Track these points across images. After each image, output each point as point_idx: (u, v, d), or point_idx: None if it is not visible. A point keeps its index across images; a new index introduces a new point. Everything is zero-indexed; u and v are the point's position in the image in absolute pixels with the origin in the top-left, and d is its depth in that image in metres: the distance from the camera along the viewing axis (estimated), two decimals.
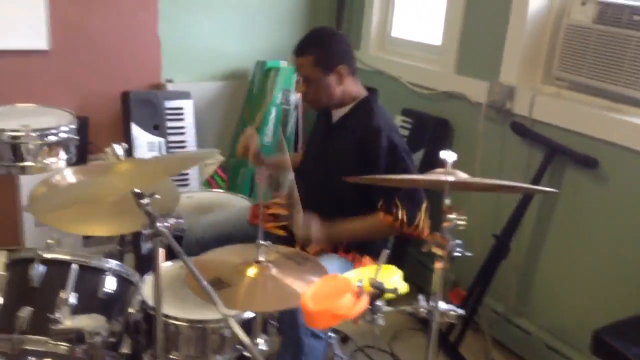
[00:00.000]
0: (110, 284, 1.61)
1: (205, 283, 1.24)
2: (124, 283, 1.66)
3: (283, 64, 3.36)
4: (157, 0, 3.13)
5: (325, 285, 1.21)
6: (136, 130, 3.01)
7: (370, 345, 2.58)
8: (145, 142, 3.04)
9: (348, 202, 2.05)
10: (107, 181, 1.30)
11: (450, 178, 1.13)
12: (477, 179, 1.22)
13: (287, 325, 1.77)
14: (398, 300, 1.27)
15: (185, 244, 2.18)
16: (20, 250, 1.61)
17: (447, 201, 1.14)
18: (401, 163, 1.97)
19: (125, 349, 1.59)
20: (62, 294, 1.50)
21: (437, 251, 1.16)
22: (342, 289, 1.19)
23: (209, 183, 3.29)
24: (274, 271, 1.51)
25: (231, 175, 3.33)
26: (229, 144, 3.45)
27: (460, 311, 1.20)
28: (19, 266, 1.57)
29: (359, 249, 2.06)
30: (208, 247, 2.06)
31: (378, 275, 1.22)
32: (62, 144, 2.41)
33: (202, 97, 3.30)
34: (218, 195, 2.69)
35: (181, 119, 3.17)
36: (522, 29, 2.49)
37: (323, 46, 2.04)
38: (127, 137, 3.01)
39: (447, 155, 1.16)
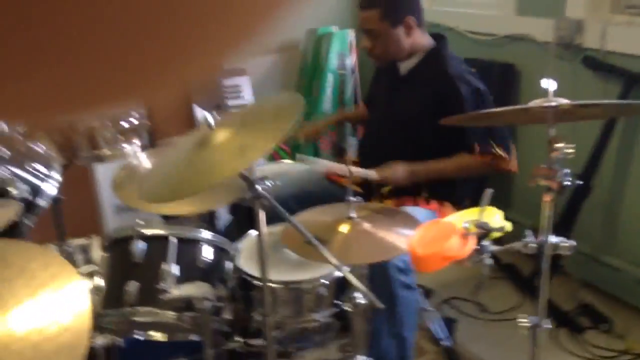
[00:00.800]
0: (207, 253, 1.64)
1: (312, 237, 1.24)
2: (219, 251, 1.68)
3: (334, 29, 3.32)
4: None
5: (430, 230, 1.20)
6: (199, 112, 3.04)
7: (456, 296, 2.57)
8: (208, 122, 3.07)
9: (425, 155, 2.03)
10: (208, 156, 1.30)
11: (555, 104, 1.09)
12: (583, 102, 1.17)
13: (380, 281, 1.77)
14: (502, 240, 1.25)
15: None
16: (118, 230, 1.66)
17: (552, 130, 1.10)
18: (487, 105, 1.93)
19: (227, 315, 1.62)
20: (165, 266, 1.54)
21: (547, 183, 1.12)
22: (448, 231, 1.18)
23: (272, 157, 3.31)
24: (366, 226, 1.50)
25: (293, 147, 3.34)
26: None
27: (572, 242, 1.17)
28: (119, 245, 1.61)
29: (438, 198, 2.04)
30: (288, 206, 2.10)
31: (481, 216, 1.19)
32: (135, 129, 2.47)
33: (256, 72, 3.30)
34: (286, 165, 2.69)
35: (240, 97, 3.18)
36: None
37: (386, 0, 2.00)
38: (190, 120, 3.05)
39: (548, 84, 1.11)
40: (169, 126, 3.09)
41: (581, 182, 1.14)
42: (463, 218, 1.24)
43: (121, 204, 2.82)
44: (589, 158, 2.42)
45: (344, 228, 1.51)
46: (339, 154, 3.27)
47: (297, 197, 2.15)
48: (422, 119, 1.95)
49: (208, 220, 2.69)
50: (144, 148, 2.50)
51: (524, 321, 1.22)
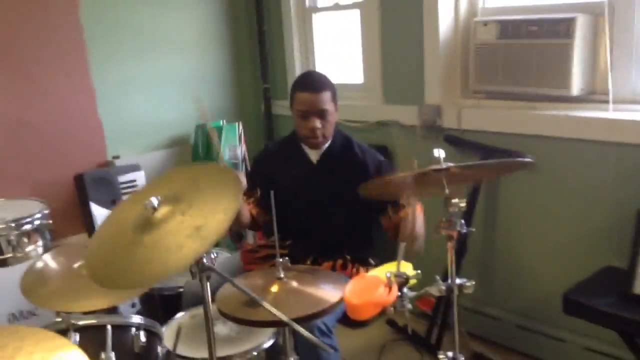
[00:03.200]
0: (141, 338, 1.71)
1: (254, 294, 1.39)
2: (152, 335, 1.76)
3: (222, 122, 3.56)
4: (93, 84, 3.25)
5: (360, 283, 1.41)
6: (96, 209, 3.08)
7: None
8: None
9: (362, 220, 2.29)
10: (159, 239, 1.40)
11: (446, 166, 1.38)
12: (474, 163, 1.46)
13: (305, 345, 1.91)
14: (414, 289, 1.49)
15: (186, 301, 2.27)
16: (50, 325, 1.68)
17: (447, 190, 1.38)
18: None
19: None
20: (104, 356, 1.59)
21: (448, 233, 1.38)
22: (375, 282, 1.39)
23: None
24: (294, 284, 1.68)
25: None
26: None
27: (472, 282, 1.43)
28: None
29: (357, 261, 2.29)
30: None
31: (398, 268, 1.43)
32: (39, 230, 2.48)
33: (150, 167, 3.42)
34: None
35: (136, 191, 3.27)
36: (436, 53, 2.85)
37: (332, 85, 2.29)
38: (87, 217, 3.07)
39: (439, 152, 1.41)
40: (66, 225, 3.09)
41: (473, 229, 1.41)
42: (383, 271, 1.47)
43: (15, 312, 2.74)
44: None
45: (275, 288, 1.67)
46: (237, 240, 3.42)
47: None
48: (352, 195, 2.13)
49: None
50: (47, 248, 2.52)
51: (443, 356, 1.44)
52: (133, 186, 3.26)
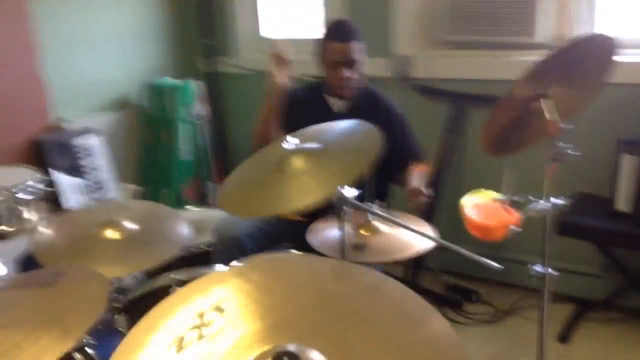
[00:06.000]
0: None
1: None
2: None
3: (172, 80, 3.40)
4: (35, 38, 2.93)
5: (482, 209, 1.52)
6: (57, 176, 2.82)
7: None
8: (68, 187, 2.86)
9: (383, 175, 2.29)
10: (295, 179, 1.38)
11: None
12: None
13: None
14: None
15: (221, 246, 2.22)
16: (143, 285, 1.58)
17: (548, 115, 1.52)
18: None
19: None
20: None
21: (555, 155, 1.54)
22: (493, 207, 1.51)
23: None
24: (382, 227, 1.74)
25: (154, 199, 3.29)
26: (137, 172, 3.39)
27: (564, 201, 1.60)
28: (152, 300, 1.55)
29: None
30: (244, 245, 2.19)
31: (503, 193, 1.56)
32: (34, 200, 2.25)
33: (100, 130, 3.18)
34: (203, 211, 2.71)
35: (93, 156, 3.04)
36: (408, 4, 2.98)
37: (361, 35, 2.28)
38: (49, 186, 2.80)
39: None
40: None
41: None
42: (483, 197, 1.59)
43: None
44: (435, 166, 2.99)
45: (365, 232, 1.71)
46: (202, 201, 3.33)
47: (252, 236, 2.23)
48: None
49: None
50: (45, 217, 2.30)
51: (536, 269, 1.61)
52: (89, 151, 3.03)
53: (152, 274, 2.18)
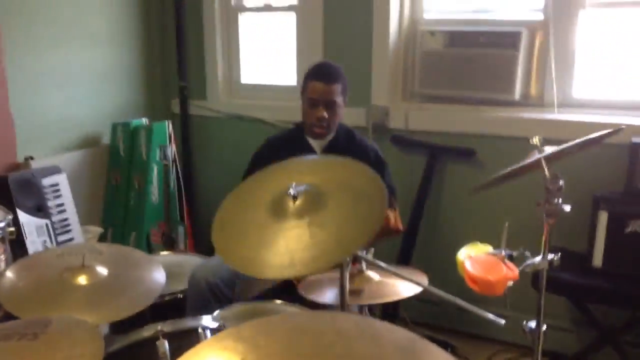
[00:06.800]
0: None
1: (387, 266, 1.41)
2: None
3: (145, 121, 3.34)
4: (5, 74, 2.84)
5: (480, 263, 1.51)
6: (23, 217, 2.69)
7: None
8: (34, 227, 2.73)
9: None
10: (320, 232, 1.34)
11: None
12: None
13: None
14: None
15: (195, 291, 2.14)
16: (139, 332, 1.49)
17: (547, 173, 1.55)
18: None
19: None
20: None
21: (549, 210, 1.55)
22: (492, 261, 1.51)
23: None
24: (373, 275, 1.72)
25: (121, 243, 3.17)
26: (103, 212, 3.27)
27: (559, 255, 1.61)
28: (136, 351, 1.47)
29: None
30: (220, 290, 2.12)
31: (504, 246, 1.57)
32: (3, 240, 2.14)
33: (69, 170, 3.07)
34: (175, 256, 2.62)
35: (59, 196, 2.92)
36: (385, 58, 3.03)
37: (344, 78, 2.32)
38: (15, 226, 2.66)
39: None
40: None
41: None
42: (479, 250, 1.59)
43: None
44: (412, 216, 3.00)
45: (359, 282, 1.68)
46: (169, 245, 3.23)
47: (228, 282, 2.17)
48: None
49: None
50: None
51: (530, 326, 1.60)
52: (57, 191, 2.91)
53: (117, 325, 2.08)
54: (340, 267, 1.41)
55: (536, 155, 1.61)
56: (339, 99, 2.30)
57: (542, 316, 1.65)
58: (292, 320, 0.96)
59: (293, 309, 2.00)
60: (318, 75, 2.30)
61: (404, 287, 1.66)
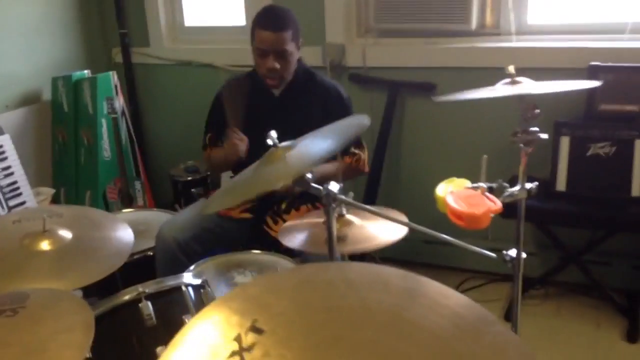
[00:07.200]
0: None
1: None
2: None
3: (88, 74, 3.14)
4: None
5: (462, 196, 1.49)
6: None
7: None
8: None
9: None
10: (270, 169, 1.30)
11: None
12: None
13: None
14: None
15: (163, 250, 2.08)
16: (121, 294, 1.42)
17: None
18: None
19: None
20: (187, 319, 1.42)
21: (526, 139, 1.55)
22: (475, 194, 1.50)
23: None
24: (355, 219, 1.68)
25: (75, 203, 3.04)
26: (53, 172, 3.11)
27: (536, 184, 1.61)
28: (119, 314, 1.41)
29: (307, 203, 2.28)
30: (192, 248, 2.06)
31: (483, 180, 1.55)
32: None
33: (12, 129, 2.88)
34: (137, 213, 2.52)
35: (5, 158, 2.74)
36: None
37: (294, 23, 2.15)
38: None
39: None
40: None
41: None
42: (457, 185, 1.57)
43: None
44: (376, 149, 2.98)
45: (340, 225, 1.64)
46: (127, 201, 3.11)
47: (197, 238, 2.11)
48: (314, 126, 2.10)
49: None
50: None
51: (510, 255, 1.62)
52: (1, 153, 2.73)
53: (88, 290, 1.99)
54: (325, 212, 1.36)
55: (511, 85, 1.57)
56: (290, 47, 2.15)
57: (522, 244, 1.66)
58: (299, 274, 0.91)
59: (272, 258, 1.96)
60: (265, 24, 2.13)
61: (385, 229, 1.63)
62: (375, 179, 3.00)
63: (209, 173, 3.25)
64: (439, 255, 3.03)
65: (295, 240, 1.61)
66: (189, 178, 3.21)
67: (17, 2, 2.98)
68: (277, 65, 2.14)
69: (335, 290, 0.87)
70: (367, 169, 2.38)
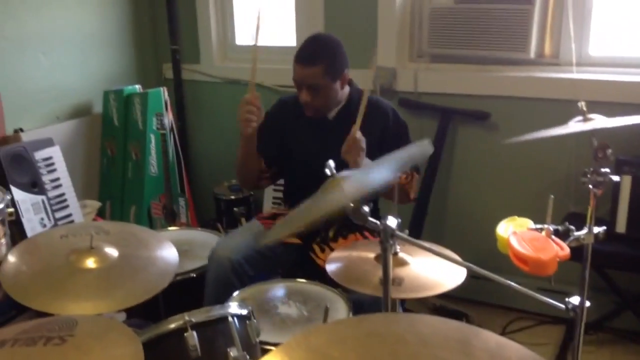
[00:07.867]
0: (248, 328, 1.51)
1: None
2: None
3: (139, 88, 3.16)
4: None
5: (525, 240, 1.41)
6: (18, 194, 2.54)
7: None
8: (30, 205, 2.58)
9: None
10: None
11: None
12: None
13: None
14: None
15: (216, 270, 2.04)
16: (166, 322, 1.38)
17: (595, 143, 1.44)
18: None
19: None
20: (234, 352, 1.37)
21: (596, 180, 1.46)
22: (539, 238, 1.41)
23: None
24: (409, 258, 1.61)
25: (120, 217, 3.04)
26: (100, 185, 3.12)
27: (604, 228, 1.52)
28: (164, 344, 1.36)
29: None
30: (244, 270, 2.02)
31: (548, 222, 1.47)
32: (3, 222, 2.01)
33: (62, 141, 2.91)
34: (185, 232, 2.50)
35: (54, 170, 2.76)
36: (391, 16, 2.87)
37: (330, 56, 2.09)
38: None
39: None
40: None
41: None
42: (519, 225, 1.49)
43: None
44: (425, 181, 2.90)
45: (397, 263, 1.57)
46: (171, 218, 3.10)
47: (249, 259, 2.07)
48: (371, 152, 2.02)
49: None
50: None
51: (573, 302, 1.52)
52: (51, 165, 2.75)
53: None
54: (382, 251, 1.30)
55: (583, 122, 1.49)
56: (323, 81, 2.08)
57: (586, 292, 1.56)
58: (367, 325, 0.85)
59: (317, 288, 1.90)
60: (298, 57, 2.10)
61: (442, 271, 1.55)
62: (422, 209, 2.92)
63: (251, 193, 3.22)
64: (484, 292, 2.92)
65: (343, 276, 1.55)
66: (232, 197, 3.20)
67: (72, 14, 3.03)
68: (309, 98, 2.10)
69: (406, 347, 0.81)
70: (413, 195, 2.29)
